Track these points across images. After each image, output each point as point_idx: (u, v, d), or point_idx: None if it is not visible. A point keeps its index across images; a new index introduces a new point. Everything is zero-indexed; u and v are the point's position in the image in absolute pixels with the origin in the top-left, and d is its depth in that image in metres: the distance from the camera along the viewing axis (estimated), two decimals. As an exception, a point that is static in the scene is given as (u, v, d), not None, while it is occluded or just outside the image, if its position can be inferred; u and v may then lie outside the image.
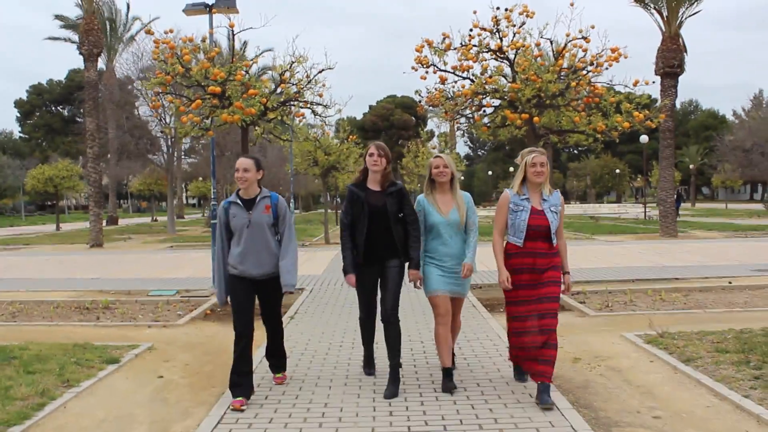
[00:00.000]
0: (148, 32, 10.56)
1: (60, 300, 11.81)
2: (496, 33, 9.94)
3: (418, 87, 10.53)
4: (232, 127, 10.38)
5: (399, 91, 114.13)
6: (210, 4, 12.70)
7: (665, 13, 26.25)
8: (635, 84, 10.44)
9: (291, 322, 9.51)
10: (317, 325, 9.34)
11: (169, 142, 36.93)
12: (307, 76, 10.20)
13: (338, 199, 59.39)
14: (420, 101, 11.44)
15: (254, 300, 6.09)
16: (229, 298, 6.07)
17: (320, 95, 10.41)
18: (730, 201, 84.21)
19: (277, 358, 6.51)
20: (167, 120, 37.15)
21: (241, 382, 5.81)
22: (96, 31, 25.73)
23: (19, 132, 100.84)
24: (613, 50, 10.59)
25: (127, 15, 58.28)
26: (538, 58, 10.30)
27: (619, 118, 10.07)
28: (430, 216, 6.22)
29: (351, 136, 25.52)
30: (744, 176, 66.43)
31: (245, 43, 40.44)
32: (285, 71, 9.68)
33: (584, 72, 9.96)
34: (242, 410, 5.57)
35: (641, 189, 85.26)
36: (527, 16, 9.86)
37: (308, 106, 10.66)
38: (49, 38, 55.13)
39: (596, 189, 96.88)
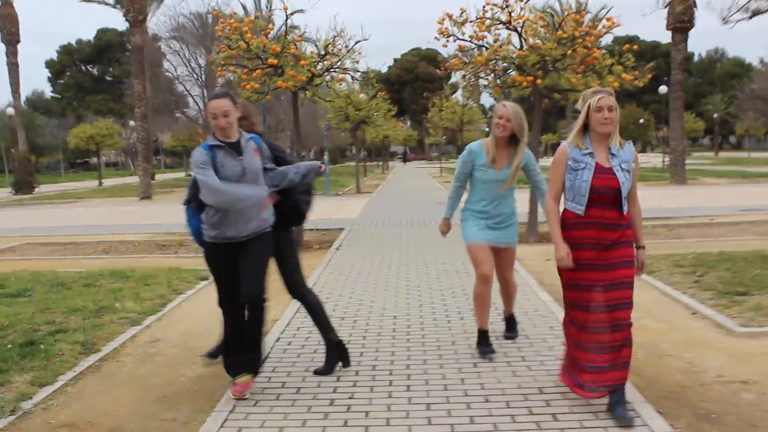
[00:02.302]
0: (216, 14, 12.52)
1: (138, 239, 14.00)
2: (506, 8, 11.74)
3: (443, 27, 12.16)
4: (283, 91, 12.29)
5: (423, 43, 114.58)
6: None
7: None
8: (625, 49, 12.24)
9: (336, 252, 11.58)
10: (359, 253, 11.42)
11: (204, 96, 38.89)
12: (346, 47, 12.05)
13: (365, 152, 61.27)
14: (441, 67, 13.36)
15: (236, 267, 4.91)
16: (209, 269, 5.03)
17: (356, 62, 12.33)
18: (755, 150, 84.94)
19: (248, 350, 5.02)
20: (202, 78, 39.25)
21: (240, 359, 4.98)
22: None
23: (51, 92, 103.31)
24: (608, 19, 12.36)
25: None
26: (542, 29, 12.08)
27: (610, 78, 11.88)
28: (479, 170, 5.52)
29: (380, 92, 27.30)
30: (766, 125, 67.37)
31: (270, 4, 42.02)
32: (328, 44, 11.55)
33: (580, 39, 11.70)
34: (245, 398, 4.89)
35: (666, 138, 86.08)
36: (532, -7, 11.66)
37: (347, 72, 12.59)
38: (84, 0, 56.76)
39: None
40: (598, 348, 4.44)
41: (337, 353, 5.43)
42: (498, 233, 5.59)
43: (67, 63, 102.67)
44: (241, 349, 4.95)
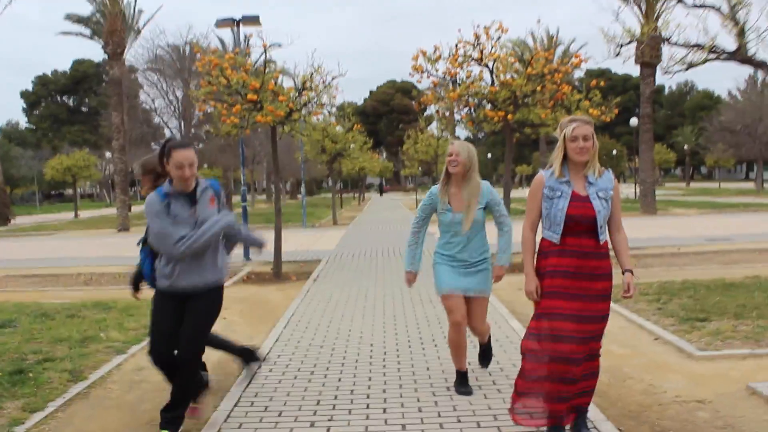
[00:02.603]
0: (196, 50, 12.89)
1: (118, 271, 14.17)
2: (477, 45, 12.21)
3: (417, 63, 12.67)
4: (261, 125, 12.62)
5: (398, 75, 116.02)
6: (237, 19, 15.08)
7: (643, 8, 28.43)
8: (593, 86, 12.77)
9: (314, 283, 11.86)
10: (337, 283, 11.70)
11: (189, 127, 39.18)
12: (323, 82, 12.42)
13: (341, 184, 61.69)
14: (415, 101, 13.81)
15: (181, 320, 4.82)
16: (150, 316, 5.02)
17: (334, 97, 12.71)
18: (725, 180, 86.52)
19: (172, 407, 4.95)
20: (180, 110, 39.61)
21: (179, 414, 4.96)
22: (119, 32, 28.12)
23: (26, 122, 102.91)
24: (576, 56, 12.89)
25: (134, 8, 60.39)
26: (515, 64, 12.58)
27: (578, 113, 12.37)
28: (441, 213, 5.51)
29: (356, 125, 27.71)
30: (735, 156, 68.67)
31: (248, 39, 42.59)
32: (306, 80, 11.92)
33: (549, 76, 12.20)
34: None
35: (637, 169, 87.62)
36: (502, 31, 12.12)
37: (324, 107, 12.96)
38: (62, 33, 56.79)
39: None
40: (562, 378, 4.35)
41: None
42: (468, 280, 5.49)
43: (43, 94, 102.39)
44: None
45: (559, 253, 4.41)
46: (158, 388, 6.14)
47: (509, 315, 8.64)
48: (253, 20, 15.25)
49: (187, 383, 4.93)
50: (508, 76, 12.42)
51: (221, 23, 15.48)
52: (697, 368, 6.29)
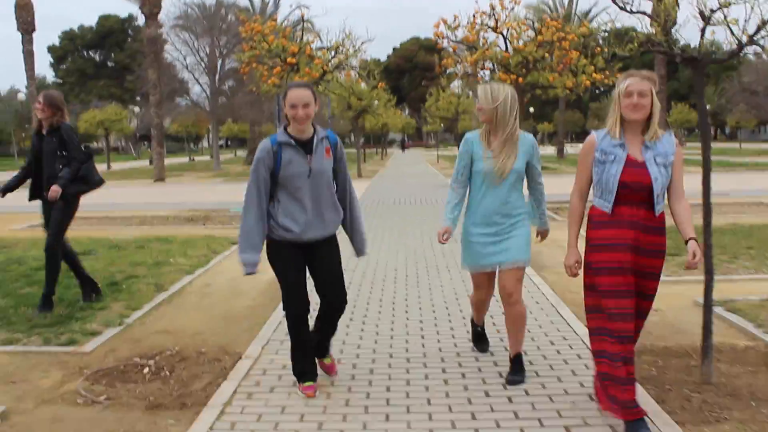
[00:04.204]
0: (242, 18, 14.34)
1: (167, 215, 15.82)
2: (493, 15, 13.56)
3: (439, 30, 14.09)
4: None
5: (422, 32, 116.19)
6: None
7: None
8: (597, 52, 14.07)
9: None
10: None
11: (215, 83, 40.61)
12: (353, 46, 13.85)
13: (364, 140, 63.12)
14: (437, 65, 15.25)
15: (306, 271, 4.78)
16: (273, 269, 4.77)
17: (363, 61, 14.18)
18: (747, 141, 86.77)
19: (328, 338, 5.05)
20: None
21: (310, 368, 4.86)
22: (156, -7, 29.47)
23: (53, 77, 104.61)
24: (583, 25, 14.22)
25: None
26: (525, 33, 13.93)
27: (583, 77, 13.74)
28: (476, 161, 4.85)
29: (380, 84, 29.07)
30: (757, 117, 69.08)
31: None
32: (339, 45, 13.37)
33: (558, 43, 13.53)
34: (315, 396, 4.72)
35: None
36: (516, 3, 13.45)
37: (353, 68, 14.43)
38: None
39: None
40: (616, 360, 4.04)
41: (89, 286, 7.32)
42: (499, 249, 4.83)
43: (69, 48, 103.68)
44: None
45: (612, 224, 4.04)
46: (225, 297, 7.76)
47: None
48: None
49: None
50: (521, 43, 13.77)
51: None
52: (661, 289, 7.73)
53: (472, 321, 5.67)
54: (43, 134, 6.92)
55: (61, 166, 6.83)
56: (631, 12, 4.57)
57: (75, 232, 12.92)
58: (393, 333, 6.23)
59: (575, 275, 4.30)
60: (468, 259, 5.02)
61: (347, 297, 4.93)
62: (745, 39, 4.62)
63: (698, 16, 4.88)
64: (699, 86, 4.91)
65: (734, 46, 4.91)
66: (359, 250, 5.07)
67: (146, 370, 5.41)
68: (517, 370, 5.00)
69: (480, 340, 5.66)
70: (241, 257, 4.66)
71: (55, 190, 6.63)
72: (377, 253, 10.20)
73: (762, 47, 4.44)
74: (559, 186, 14.22)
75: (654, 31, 4.48)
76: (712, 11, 4.85)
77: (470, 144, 4.93)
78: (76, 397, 4.83)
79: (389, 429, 4.24)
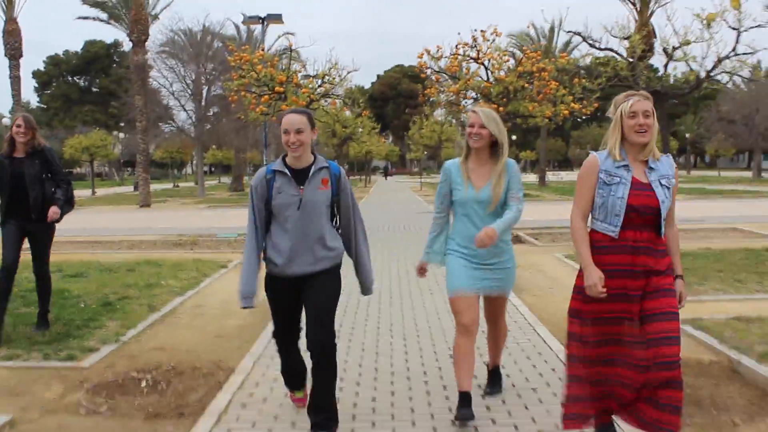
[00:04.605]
0: (231, 48, 14.79)
1: (155, 239, 16.08)
2: (474, 46, 14.04)
3: (422, 61, 14.68)
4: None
5: (405, 58, 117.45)
6: (263, 17, 16.97)
7: (638, 5, 30.05)
8: (576, 83, 14.60)
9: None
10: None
11: (201, 110, 40.96)
12: (339, 76, 14.28)
13: (346, 166, 63.52)
14: (419, 94, 15.74)
15: (300, 303, 4.52)
16: (265, 298, 4.59)
17: (349, 90, 14.59)
18: (726, 169, 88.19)
19: (324, 411, 4.43)
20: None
21: (300, 382, 4.90)
22: (143, 21, 29.95)
23: (38, 102, 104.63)
24: (562, 56, 14.73)
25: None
26: (506, 64, 14.42)
27: (561, 106, 14.22)
28: (456, 190, 4.73)
29: (364, 111, 29.56)
30: (734, 146, 70.28)
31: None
32: (325, 75, 13.79)
33: (537, 74, 14.02)
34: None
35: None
36: (496, 35, 13.95)
37: (339, 97, 14.86)
38: (80, 18, 58.40)
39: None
40: (618, 382, 3.96)
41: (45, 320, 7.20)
42: (487, 276, 4.72)
43: (54, 74, 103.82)
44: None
45: (613, 249, 3.89)
46: (217, 317, 8.05)
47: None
48: (277, 18, 17.10)
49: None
50: (502, 73, 14.25)
51: (248, 21, 17.43)
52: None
53: (459, 393, 4.69)
54: (15, 158, 6.80)
55: (54, 189, 6.94)
56: (600, 49, 4.95)
57: (66, 256, 13.21)
58: (378, 350, 6.55)
59: (600, 294, 3.86)
60: (450, 282, 4.76)
61: (334, 341, 4.37)
62: (703, 74, 5.01)
63: (662, 53, 5.25)
64: (662, 117, 5.29)
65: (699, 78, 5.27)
66: (364, 287, 4.71)
67: (144, 383, 5.69)
68: (495, 382, 5.28)
69: (465, 405, 4.64)
70: (238, 290, 4.54)
71: (55, 212, 6.85)
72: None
73: (719, 82, 4.85)
74: (541, 212, 14.61)
75: (620, 67, 4.83)
76: (674, 48, 5.24)
77: (449, 173, 4.82)
78: (78, 408, 5.11)
79: (375, 434, 4.56)
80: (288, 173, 4.37)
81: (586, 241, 3.98)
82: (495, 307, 5.00)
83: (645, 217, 3.84)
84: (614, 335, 3.95)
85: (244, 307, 4.53)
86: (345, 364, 6.05)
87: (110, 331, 7.22)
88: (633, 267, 3.85)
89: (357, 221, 4.61)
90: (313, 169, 4.39)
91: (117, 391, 5.50)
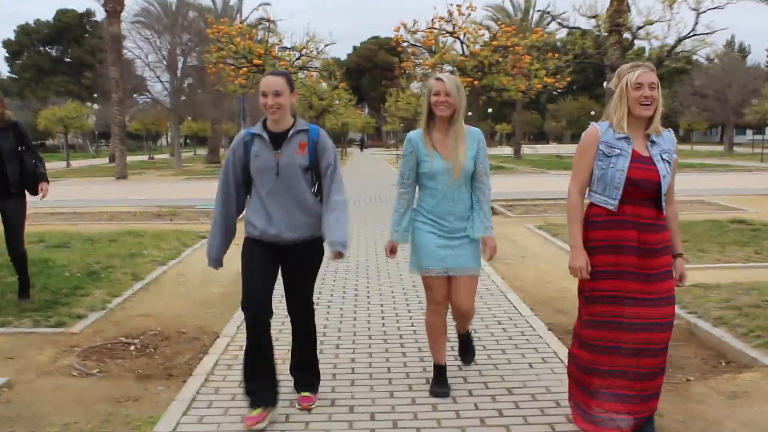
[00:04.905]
0: (210, 21, 14.84)
1: (135, 210, 16.24)
2: (450, 20, 14.27)
3: (398, 34, 14.90)
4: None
5: (381, 30, 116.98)
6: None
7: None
8: (549, 57, 14.91)
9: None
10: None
11: (176, 81, 40.74)
12: (317, 49, 14.45)
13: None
14: (396, 67, 15.96)
15: (276, 273, 4.43)
16: (240, 266, 4.40)
17: (326, 62, 14.79)
18: (699, 143, 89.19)
19: (305, 369, 4.66)
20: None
21: (259, 389, 4.31)
22: (120, -9, 29.67)
23: (8, 72, 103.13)
24: (536, 32, 15.00)
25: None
26: (481, 38, 14.66)
27: (535, 81, 14.52)
28: (423, 162, 4.52)
29: (341, 84, 29.63)
30: (708, 120, 71.10)
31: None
32: (303, 48, 13.96)
33: (512, 48, 14.29)
34: (261, 430, 4.19)
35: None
36: (472, 10, 14.19)
37: (315, 70, 15.04)
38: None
39: (572, 130, 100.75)
40: (621, 373, 3.88)
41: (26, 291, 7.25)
42: (453, 255, 4.52)
43: (26, 43, 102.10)
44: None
45: (612, 223, 3.79)
46: (200, 285, 8.32)
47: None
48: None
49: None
50: (477, 47, 14.50)
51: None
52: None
53: (434, 366, 4.82)
54: None
55: (35, 162, 7.01)
56: (568, 28, 5.21)
57: (49, 227, 13.38)
58: (356, 315, 6.87)
59: (585, 277, 3.87)
60: (417, 262, 4.63)
61: (312, 305, 4.60)
62: (665, 53, 5.30)
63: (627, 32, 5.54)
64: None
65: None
66: (332, 242, 4.28)
67: (132, 347, 5.97)
68: (468, 348, 5.32)
69: (440, 381, 4.78)
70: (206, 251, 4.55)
71: (46, 188, 7.04)
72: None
73: (679, 59, 5.15)
74: (515, 185, 14.96)
75: (587, 45, 5.11)
76: (639, 27, 5.53)
77: (415, 144, 4.58)
78: (71, 370, 5.37)
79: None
80: (266, 137, 4.28)
81: (580, 220, 3.91)
82: (464, 288, 4.61)
83: (644, 191, 3.74)
84: (611, 315, 3.85)
85: (210, 266, 4.57)
86: (325, 328, 6.36)
87: (97, 298, 7.46)
88: (634, 243, 3.76)
89: (335, 186, 4.39)
90: (291, 132, 4.28)
91: (107, 355, 5.77)
